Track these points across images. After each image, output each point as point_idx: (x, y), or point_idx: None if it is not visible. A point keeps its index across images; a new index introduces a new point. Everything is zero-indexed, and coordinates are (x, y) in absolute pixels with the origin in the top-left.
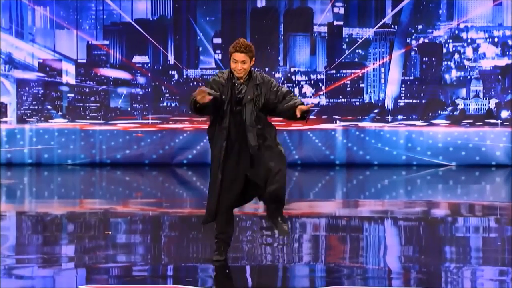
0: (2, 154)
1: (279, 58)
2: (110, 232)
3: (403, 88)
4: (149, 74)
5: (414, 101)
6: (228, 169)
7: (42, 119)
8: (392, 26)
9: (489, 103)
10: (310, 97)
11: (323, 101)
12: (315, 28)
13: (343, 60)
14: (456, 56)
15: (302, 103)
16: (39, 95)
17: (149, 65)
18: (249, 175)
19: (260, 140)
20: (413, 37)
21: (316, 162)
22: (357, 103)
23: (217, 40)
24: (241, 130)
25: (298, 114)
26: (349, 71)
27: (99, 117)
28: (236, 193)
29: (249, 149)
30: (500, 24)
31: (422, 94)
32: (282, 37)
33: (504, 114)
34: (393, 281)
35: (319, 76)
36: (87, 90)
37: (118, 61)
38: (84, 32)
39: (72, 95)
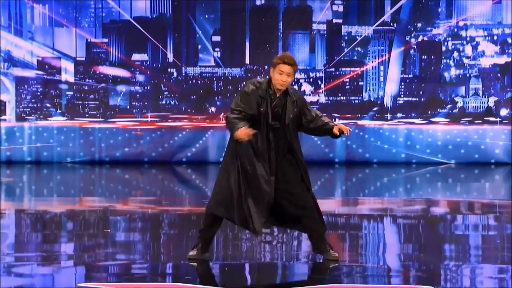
0: (1, 152)
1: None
2: (109, 230)
3: (403, 86)
4: (148, 72)
5: (414, 99)
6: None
7: (41, 117)
8: (392, 24)
9: (488, 101)
10: (309, 95)
11: (322, 99)
12: (315, 26)
13: (342, 58)
14: (456, 54)
15: (336, 125)
16: (38, 93)
17: (148, 63)
18: (279, 190)
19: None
20: (413, 35)
21: (316, 160)
22: (357, 101)
23: (216, 38)
24: (278, 145)
25: (336, 132)
26: (348, 69)
27: (98, 115)
28: (266, 210)
29: (281, 164)
30: (499, 22)
31: (421, 92)
32: (281, 35)
33: (504, 112)
34: (392, 279)
35: (318, 74)
36: (86, 88)
37: (117, 59)
38: (83, 30)
39: (71, 93)
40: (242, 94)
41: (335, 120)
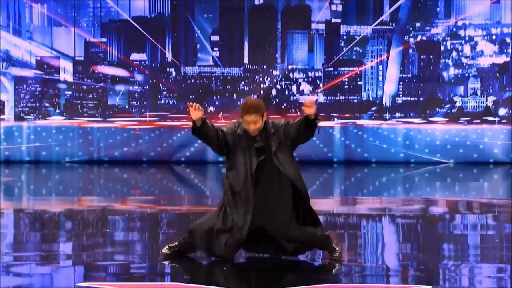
0: (0, 152)
1: (277, 55)
2: (108, 230)
3: (401, 86)
4: (147, 72)
5: (412, 98)
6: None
7: (40, 116)
8: (390, 23)
9: (487, 100)
10: (308, 94)
11: (321, 98)
12: (313, 26)
13: (341, 58)
14: (454, 53)
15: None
16: (37, 93)
17: (147, 62)
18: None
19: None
20: (411, 34)
21: (315, 160)
22: (355, 101)
23: (215, 38)
24: (266, 178)
25: (305, 111)
26: (347, 68)
27: (97, 115)
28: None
29: (269, 199)
30: (498, 22)
31: (420, 92)
32: (280, 35)
33: (502, 111)
34: (391, 279)
35: (317, 74)
36: (85, 87)
37: (116, 58)
38: (82, 30)
39: (70, 92)
40: (226, 127)
41: (333, 120)
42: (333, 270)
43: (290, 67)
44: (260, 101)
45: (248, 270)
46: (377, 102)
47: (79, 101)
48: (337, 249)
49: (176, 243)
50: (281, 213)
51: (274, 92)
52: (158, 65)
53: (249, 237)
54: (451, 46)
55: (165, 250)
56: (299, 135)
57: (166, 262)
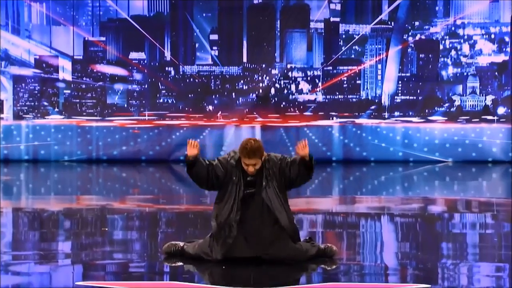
0: None
1: (275, 54)
2: (107, 229)
3: (400, 85)
4: (145, 71)
5: (411, 97)
6: (237, 249)
7: (39, 115)
8: (389, 22)
9: (485, 99)
10: (307, 93)
11: (320, 97)
12: (312, 25)
13: (340, 57)
14: (453, 52)
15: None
16: (36, 92)
17: (145, 61)
18: (266, 256)
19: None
20: (410, 33)
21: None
22: (354, 100)
23: (214, 37)
24: (253, 213)
25: (298, 153)
26: (346, 67)
27: (96, 114)
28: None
29: (258, 234)
30: (496, 21)
31: (418, 91)
32: (279, 34)
33: (501, 110)
34: (389, 278)
35: (315, 73)
36: (84, 86)
37: (114, 57)
38: (80, 29)
39: (69, 91)
40: (218, 159)
41: (332, 119)
42: (332, 269)
43: (289, 66)
44: (260, 143)
45: (247, 269)
46: (376, 101)
47: (78, 100)
48: (325, 248)
49: (181, 245)
50: (274, 241)
51: (273, 91)
52: (157, 64)
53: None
54: (450, 45)
55: (167, 248)
56: (297, 178)
57: (166, 262)
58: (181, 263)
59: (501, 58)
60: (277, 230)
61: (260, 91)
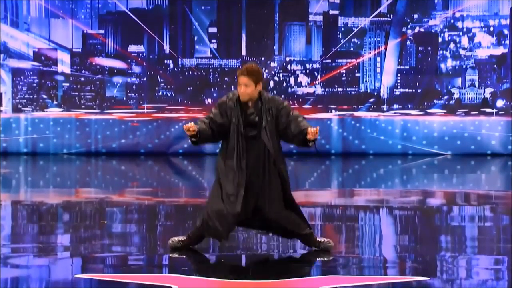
0: None
1: (274, 47)
2: (105, 222)
3: (399, 78)
4: (144, 64)
5: (410, 90)
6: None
7: (38, 108)
8: (388, 15)
9: (484, 92)
10: (306, 86)
11: (319, 90)
12: (311, 18)
13: (338, 50)
14: (452, 45)
15: (310, 126)
16: (35, 84)
17: (144, 54)
18: (259, 199)
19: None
20: (409, 26)
21: (312, 152)
22: (353, 93)
23: (213, 30)
24: (254, 154)
25: (308, 138)
26: (344, 60)
27: (95, 107)
28: (245, 213)
29: (259, 174)
30: (495, 13)
31: (417, 84)
32: (277, 27)
33: (500, 103)
34: (388, 271)
35: (314, 66)
36: (83, 79)
37: (113, 50)
38: (79, 21)
39: (68, 84)
40: (216, 104)
41: (330, 112)
42: (331, 262)
43: (288, 59)
44: (259, 68)
45: (246, 262)
46: (375, 94)
47: (76, 93)
48: (322, 241)
49: (184, 238)
50: (271, 189)
51: (272, 84)
52: (155, 57)
53: (243, 218)
54: (449, 38)
55: (173, 242)
56: (291, 138)
57: (173, 254)
58: (179, 256)
59: (500, 50)
60: (274, 178)
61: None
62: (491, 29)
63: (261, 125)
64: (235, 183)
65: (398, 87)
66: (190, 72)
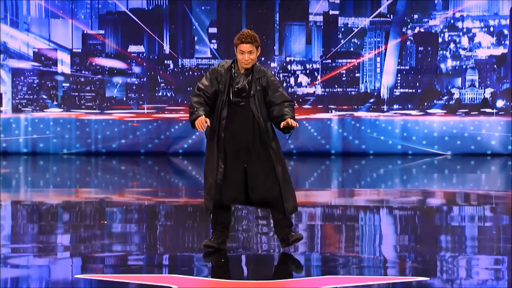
0: None
1: (274, 47)
2: (105, 222)
3: (399, 78)
4: (144, 64)
5: (410, 90)
6: (228, 161)
7: (38, 108)
8: (388, 15)
9: (484, 92)
10: (306, 86)
11: (319, 90)
12: (311, 18)
13: (338, 50)
14: (452, 45)
15: (293, 118)
16: (34, 85)
17: (144, 54)
18: (247, 170)
19: (269, 136)
20: (409, 26)
21: (312, 152)
22: (353, 93)
23: (213, 30)
24: (242, 122)
25: (281, 125)
26: (344, 60)
27: (95, 107)
28: (238, 185)
29: (247, 144)
30: (495, 13)
31: (417, 84)
32: (277, 27)
33: (500, 103)
34: (388, 270)
35: (314, 66)
36: (83, 79)
37: (113, 50)
38: (79, 22)
39: (68, 84)
40: (207, 74)
41: (331, 112)
42: (331, 262)
43: (288, 59)
44: (256, 35)
45: (246, 262)
46: (375, 94)
47: (76, 93)
48: (292, 233)
49: (212, 233)
50: (260, 157)
51: None
52: (155, 57)
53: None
54: (449, 38)
55: (206, 242)
56: (270, 118)
57: (207, 258)
58: (179, 256)
59: (500, 51)
60: (262, 144)
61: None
62: (491, 29)
63: (250, 93)
64: (214, 153)
65: (398, 87)
66: (190, 72)
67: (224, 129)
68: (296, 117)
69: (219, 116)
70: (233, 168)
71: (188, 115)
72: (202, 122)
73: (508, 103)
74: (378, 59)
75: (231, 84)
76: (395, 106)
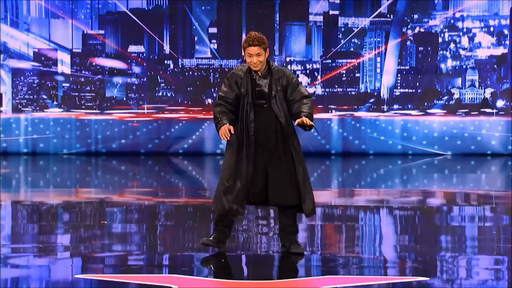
0: None
1: (274, 47)
2: (105, 222)
3: (399, 78)
4: (144, 64)
5: (410, 90)
6: (251, 163)
7: (38, 108)
8: (388, 15)
9: (484, 92)
10: (306, 86)
11: (319, 90)
12: (311, 18)
13: (338, 50)
14: (452, 45)
15: (309, 115)
16: (35, 85)
17: (144, 54)
18: (269, 172)
19: (291, 140)
20: (409, 26)
21: (312, 152)
22: (353, 93)
23: (213, 30)
24: (266, 124)
25: (295, 123)
26: (344, 60)
27: (95, 107)
28: (259, 187)
29: (270, 144)
30: (495, 13)
31: (417, 84)
32: (277, 27)
33: (500, 103)
34: (388, 271)
35: (314, 66)
36: (83, 79)
37: (113, 50)
38: (79, 22)
39: (68, 84)
40: (225, 80)
41: (331, 112)
42: (331, 262)
43: (288, 59)
44: (263, 36)
45: (246, 262)
46: (375, 94)
47: (76, 93)
48: (296, 245)
49: (214, 230)
50: (281, 158)
51: None
52: (155, 57)
53: (253, 190)
54: (449, 38)
55: (205, 240)
56: (292, 115)
57: (208, 258)
58: (179, 256)
59: (500, 51)
60: (284, 144)
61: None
62: (491, 29)
63: (271, 94)
64: (242, 156)
65: (398, 87)
66: (190, 72)
67: (253, 132)
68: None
69: (246, 119)
70: (257, 169)
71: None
72: (226, 131)
73: (508, 103)
74: (378, 59)
75: (252, 86)
76: (395, 106)
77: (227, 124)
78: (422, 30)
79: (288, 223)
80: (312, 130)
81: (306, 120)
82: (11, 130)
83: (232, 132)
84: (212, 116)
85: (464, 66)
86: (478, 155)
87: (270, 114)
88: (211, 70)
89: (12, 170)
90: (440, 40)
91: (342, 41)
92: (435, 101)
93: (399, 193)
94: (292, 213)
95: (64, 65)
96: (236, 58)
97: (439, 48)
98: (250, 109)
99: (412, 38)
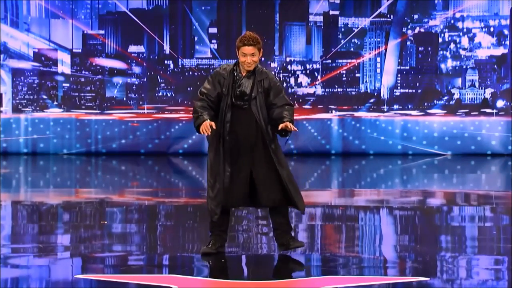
0: None
1: (274, 47)
2: (106, 222)
3: (399, 78)
4: (144, 64)
5: (410, 90)
6: (234, 164)
7: (38, 108)
8: (388, 15)
9: (484, 92)
10: (306, 86)
11: (319, 90)
12: (311, 18)
13: (339, 50)
14: (452, 45)
15: (291, 121)
16: (35, 85)
17: (144, 54)
18: (253, 173)
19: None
20: (409, 26)
21: (312, 152)
22: (353, 93)
23: (213, 30)
24: (245, 125)
25: (279, 127)
26: (345, 60)
27: (95, 107)
28: (243, 189)
29: (251, 146)
30: (496, 14)
31: (417, 84)
32: (277, 27)
33: (500, 103)
34: (388, 271)
35: (314, 66)
36: (83, 79)
37: (113, 50)
38: (79, 22)
39: (68, 84)
40: (209, 77)
41: (331, 112)
42: (331, 262)
43: (288, 59)
44: (258, 36)
45: (246, 262)
46: (375, 94)
47: (76, 93)
48: (294, 241)
49: (210, 236)
50: (263, 159)
51: None
52: (156, 57)
53: (238, 192)
54: (449, 38)
55: (204, 250)
56: (271, 120)
57: (206, 259)
58: (179, 256)
59: (500, 51)
60: (265, 146)
61: None
62: (491, 29)
63: (251, 96)
64: (220, 157)
65: (398, 87)
66: (190, 73)
67: (229, 133)
68: (296, 117)
69: (224, 120)
70: (238, 171)
71: (192, 119)
72: (207, 126)
73: (508, 103)
74: (378, 59)
75: (233, 87)
76: (395, 106)
77: (208, 120)
78: (422, 30)
79: (282, 221)
80: (287, 137)
81: (290, 126)
82: (11, 130)
83: (214, 127)
84: (192, 110)
85: (464, 66)
86: (478, 155)
87: (250, 116)
88: (211, 70)
89: (12, 170)
90: (440, 40)
91: (342, 41)
92: (435, 101)
93: (399, 193)
94: (285, 210)
95: (64, 65)
96: (236, 58)
97: (439, 48)
98: (228, 110)
99: (412, 38)
